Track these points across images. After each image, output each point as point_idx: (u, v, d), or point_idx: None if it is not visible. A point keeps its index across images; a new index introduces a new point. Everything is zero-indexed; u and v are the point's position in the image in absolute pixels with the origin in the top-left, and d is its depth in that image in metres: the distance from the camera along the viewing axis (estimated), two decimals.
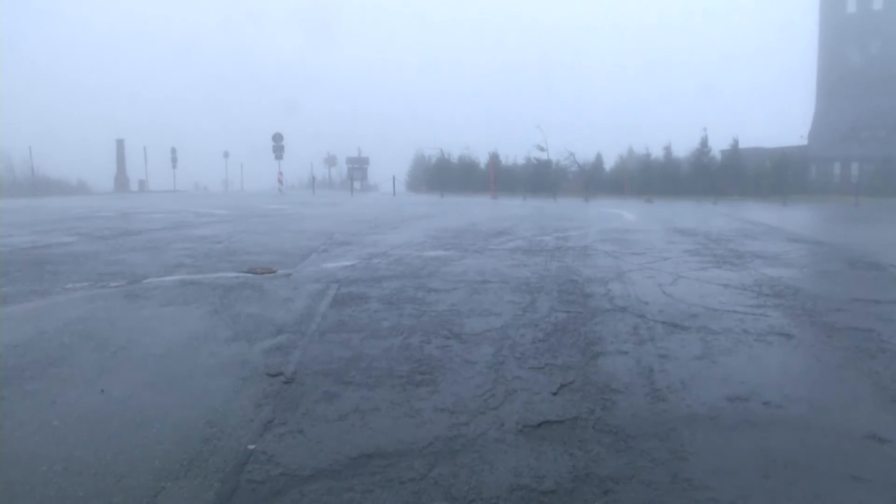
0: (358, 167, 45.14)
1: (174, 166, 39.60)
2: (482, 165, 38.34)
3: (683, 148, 37.53)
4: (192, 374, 3.00)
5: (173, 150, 39.71)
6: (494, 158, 35.88)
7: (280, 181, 33.83)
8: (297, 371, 3.05)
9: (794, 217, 16.40)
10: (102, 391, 2.78)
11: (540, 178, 34.27)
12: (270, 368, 3.08)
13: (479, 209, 18.56)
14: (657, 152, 35.84)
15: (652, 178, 33.30)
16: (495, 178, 31.99)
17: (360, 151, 46.72)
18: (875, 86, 43.71)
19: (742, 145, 35.46)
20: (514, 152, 47.37)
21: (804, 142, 44.35)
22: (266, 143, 32.67)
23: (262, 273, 5.79)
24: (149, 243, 8.15)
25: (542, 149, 35.92)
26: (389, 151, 60.50)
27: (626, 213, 16.96)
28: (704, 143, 34.65)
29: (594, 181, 33.42)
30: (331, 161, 50.91)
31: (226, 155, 46.04)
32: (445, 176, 36.42)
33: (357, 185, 42.00)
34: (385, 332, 3.74)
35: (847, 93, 44.15)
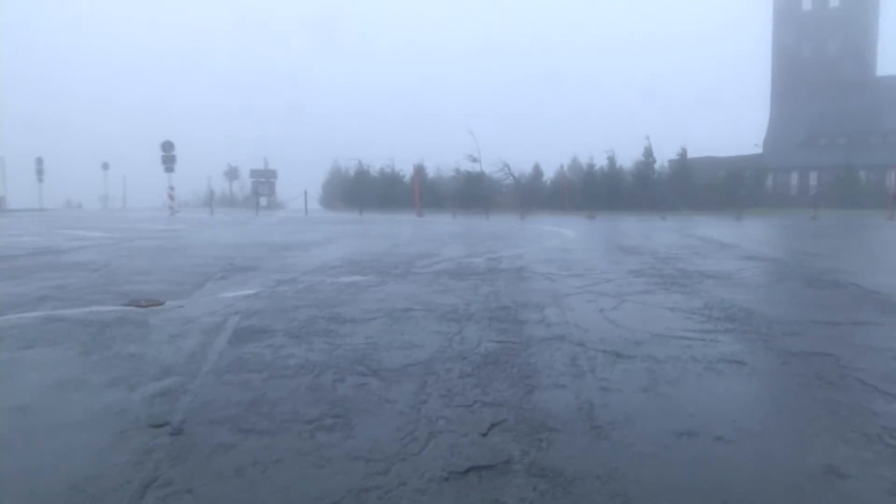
0: (264, 181, 44.55)
1: (40, 180, 38.19)
2: (406, 179, 38.49)
3: (629, 158, 38.66)
4: (56, 430, 2.87)
5: (39, 161, 38.32)
6: (420, 171, 36.08)
7: (171, 197, 33.06)
8: (187, 420, 2.96)
9: (749, 232, 17.05)
10: None
11: (471, 193, 34.63)
12: (154, 418, 2.99)
13: (403, 228, 18.59)
14: (601, 162, 36.70)
15: (595, 192, 34.15)
16: (421, 194, 32.17)
17: (267, 163, 46.19)
18: (833, 89, 45.67)
19: (691, 155, 36.59)
20: (443, 164, 47.79)
21: (759, 150, 46.06)
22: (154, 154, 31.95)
23: (147, 306, 5.63)
24: (5, 273, 7.82)
25: (474, 159, 36.36)
26: (301, 163, 60.10)
27: (565, 230, 17.31)
28: (648, 152, 35.71)
29: (532, 196, 34.03)
30: (232, 174, 50.18)
31: (105, 167, 44.77)
32: (365, 191, 36.43)
33: (263, 201, 41.47)
34: (292, 371, 3.68)
35: (803, 96, 46.04)
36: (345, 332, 4.64)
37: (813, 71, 46.91)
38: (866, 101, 43.68)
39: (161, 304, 5.72)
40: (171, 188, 32.55)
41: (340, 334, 4.56)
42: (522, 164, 40.41)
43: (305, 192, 33.53)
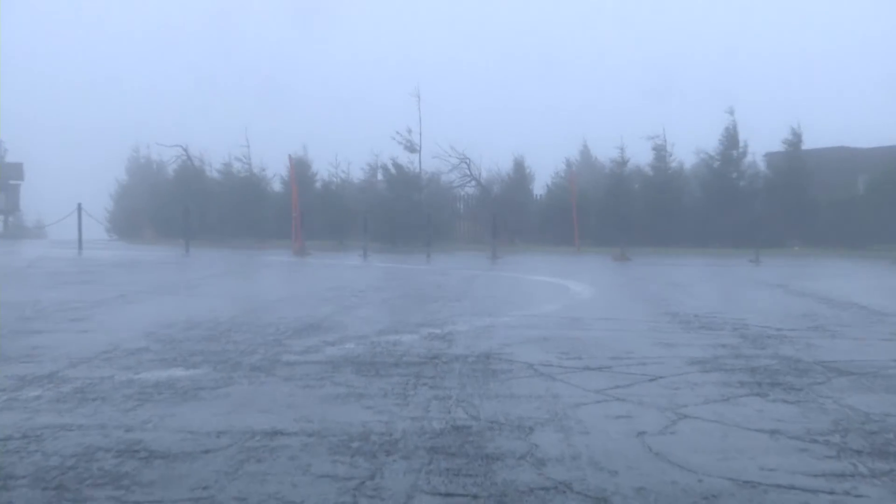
0: None
1: None
2: (277, 186, 38.33)
3: (689, 149, 38.06)
4: None
5: None
6: (300, 168, 35.95)
7: None
8: None
9: None
10: None
11: (399, 212, 34.53)
12: None
13: (269, 277, 18.52)
14: (639, 156, 36.69)
15: (629, 211, 34.05)
16: (304, 213, 31.96)
17: (4, 150, 45.75)
18: None
19: (810, 145, 36.49)
20: (354, 158, 47.46)
21: None
22: None
23: None
24: None
25: (411, 146, 36.33)
26: (77, 154, 59.71)
27: (574, 282, 17.38)
28: (730, 138, 35.63)
29: (512, 217, 33.96)
30: None
31: None
32: (199, 205, 36.07)
33: None
34: None
35: None
36: (151, 477, 4.57)
37: None
38: None
39: None
40: None
41: (143, 482, 4.49)
42: (496, 161, 39.83)
43: (80, 208, 33.11)
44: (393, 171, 36.53)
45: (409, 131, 37.39)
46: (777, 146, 36.44)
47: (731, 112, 35.20)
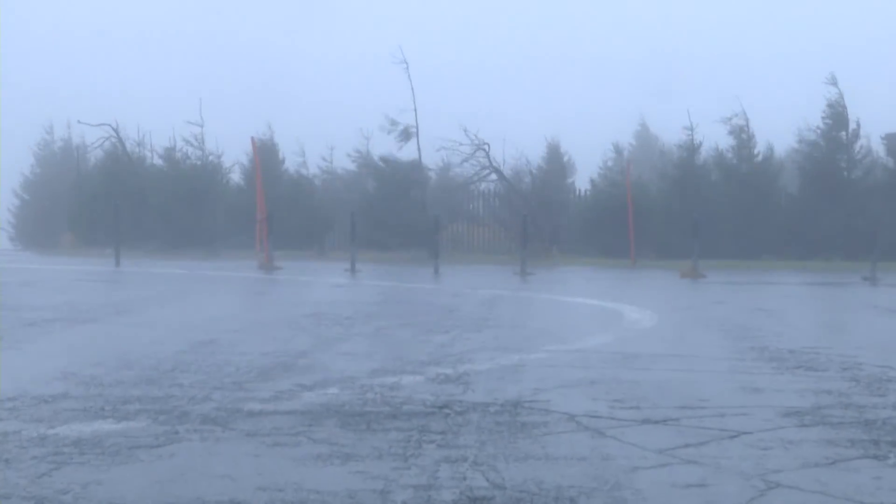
0: None
1: None
2: (237, 179, 38.34)
3: (779, 130, 37.48)
4: None
5: None
6: (267, 154, 35.97)
7: None
8: None
9: None
10: None
11: (397, 213, 34.56)
12: None
13: (227, 298, 18.58)
14: (715, 137, 36.49)
15: (703, 212, 33.93)
16: (272, 214, 31.98)
17: None
18: None
19: None
20: (338, 143, 47.48)
21: None
22: None
23: None
24: None
25: (406, 133, 36.34)
26: None
27: (629, 306, 17.35)
28: (838, 116, 35.24)
29: (546, 218, 33.99)
30: None
31: None
32: (133, 203, 36.13)
33: None
34: None
35: None
36: None
37: None
38: None
39: None
40: None
41: None
42: (524, 148, 39.47)
43: None
44: (381, 164, 36.48)
45: (403, 111, 37.10)
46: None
47: (834, 82, 34.62)
